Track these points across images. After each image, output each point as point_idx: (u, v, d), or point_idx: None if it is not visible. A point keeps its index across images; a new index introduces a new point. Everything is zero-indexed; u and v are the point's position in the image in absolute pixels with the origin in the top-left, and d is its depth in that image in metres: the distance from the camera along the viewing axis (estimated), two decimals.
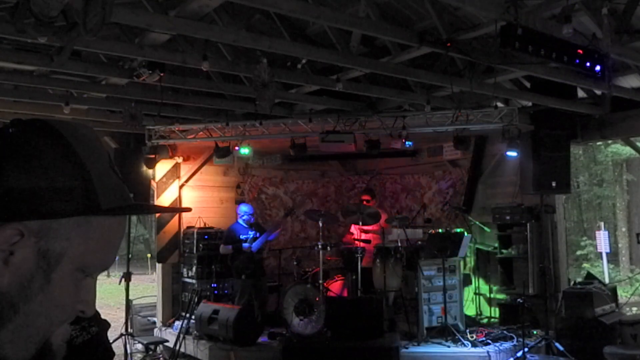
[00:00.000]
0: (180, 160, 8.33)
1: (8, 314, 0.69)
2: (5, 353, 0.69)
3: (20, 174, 0.68)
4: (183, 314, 8.00)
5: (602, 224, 14.66)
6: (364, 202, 8.31)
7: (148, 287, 15.20)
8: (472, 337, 6.81)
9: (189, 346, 7.39)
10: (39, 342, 0.72)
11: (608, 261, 14.02)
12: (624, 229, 18.65)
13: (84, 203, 0.71)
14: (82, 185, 0.71)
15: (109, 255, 0.78)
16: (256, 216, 8.06)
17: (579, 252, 18.58)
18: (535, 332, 7.04)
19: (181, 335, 7.27)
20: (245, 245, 7.51)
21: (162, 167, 8.46)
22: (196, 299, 7.70)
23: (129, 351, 7.16)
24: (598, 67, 4.80)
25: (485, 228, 8.34)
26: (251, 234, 7.63)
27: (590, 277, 7.98)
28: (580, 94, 7.47)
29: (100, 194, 0.73)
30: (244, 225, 7.72)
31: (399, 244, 7.59)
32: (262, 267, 7.94)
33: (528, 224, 7.72)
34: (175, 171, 8.69)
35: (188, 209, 1.09)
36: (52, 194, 0.69)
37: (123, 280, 7.54)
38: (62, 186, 0.70)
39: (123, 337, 7.14)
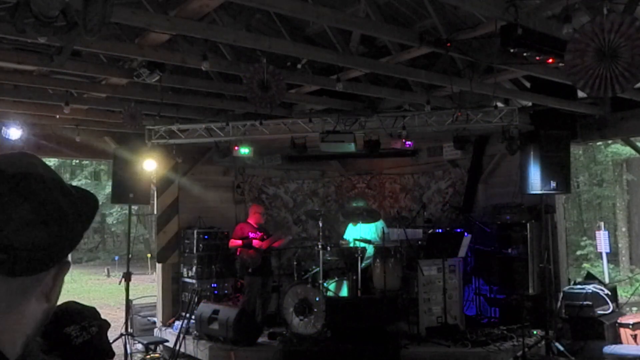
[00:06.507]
0: (180, 160, 8.32)
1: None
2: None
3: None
4: (183, 314, 8.00)
5: (602, 224, 14.64)
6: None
7: (148, 287, 15.20)
8: (472, 337, 6.81)
9: (189, 346, 7.39)
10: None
11: (608, 261, 14.01)
12: (624, 229, 18.64)
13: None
14: None
15: None
16: (265, 218, 8.20)
17: (579, 252, 18.56)
18: (535, 332, 7.03)
19: (181, 335, 7.27)
20: (256, 241, 7.59)
21: (162, 167, 8.46)
22: (196, 299, 7.70)
23: (129, 351, 7.16)
24: None
25: (485, 228, 8.33)
26: (259, 234, 7.72)
27: (590, 277, 7.99)
28: (580, 94, 7.44)
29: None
30: (254, 225, 7.81)
31: (399, 244, 7.59)
32: (270, 267, 7.96)
33: (528, 224, 7.71)
34: (175, 171, 8.69)
35: None
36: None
37: (123, 280, 7.54)
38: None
39: (123, 337, 7.14)
